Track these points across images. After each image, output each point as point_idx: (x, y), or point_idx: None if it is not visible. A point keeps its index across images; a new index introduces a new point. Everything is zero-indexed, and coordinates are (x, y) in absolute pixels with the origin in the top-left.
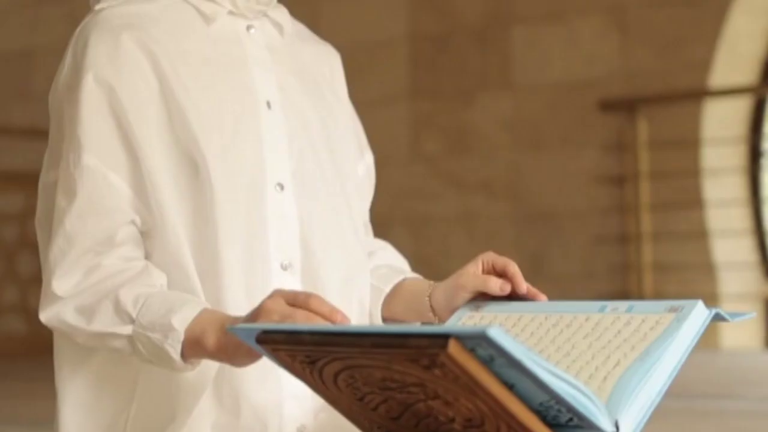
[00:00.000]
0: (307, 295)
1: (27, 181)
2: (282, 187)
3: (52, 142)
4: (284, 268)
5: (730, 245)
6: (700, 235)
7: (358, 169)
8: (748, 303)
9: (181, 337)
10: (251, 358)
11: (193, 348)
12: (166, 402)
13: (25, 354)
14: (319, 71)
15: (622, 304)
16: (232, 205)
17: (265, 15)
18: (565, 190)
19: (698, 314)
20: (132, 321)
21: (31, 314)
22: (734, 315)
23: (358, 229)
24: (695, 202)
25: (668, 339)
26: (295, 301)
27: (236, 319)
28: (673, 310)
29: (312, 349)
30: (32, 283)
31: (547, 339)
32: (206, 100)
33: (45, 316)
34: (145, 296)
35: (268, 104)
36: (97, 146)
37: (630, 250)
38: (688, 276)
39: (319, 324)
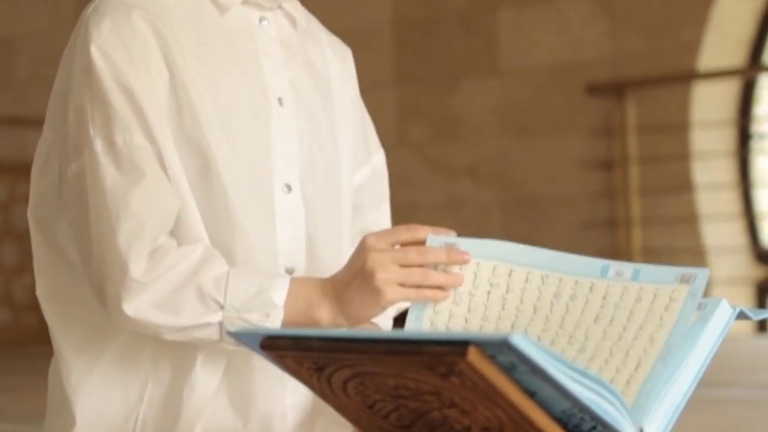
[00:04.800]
0: (407, 228)
1: (10, 170)
2: (290, 188)
3: (70, 131)
4: (288, 273)
5: (720, 229)
6: (689, 220)
7: (363, 170)
8: (739, 287)
9: (282, 313)
10: (374, 311)
11: (301, 322)
12: (174, 403)
13: (10, 345)
14: (329, 68)
15: (627, 268)
16: (243, 206)
17: (280, 7)
18: (554, 175)
19: (722, 313)
20: (221, 307)
21: (15, 304)
22: (757, 312)
23: (349, 237)
24: (685, 186)
25: (693, 340)
26: (397, 238)
27: (335, 286)
28: (684, 280)
29: (320, 356)
30: (16, 273)
31: (554, 321)
32: (216, 96)
33: (131, 308)
34: (224, 277)
35: (280, 101)
36: (139, 128)
37: (619, 235)
38: (678, 260)
39: (329, 330)
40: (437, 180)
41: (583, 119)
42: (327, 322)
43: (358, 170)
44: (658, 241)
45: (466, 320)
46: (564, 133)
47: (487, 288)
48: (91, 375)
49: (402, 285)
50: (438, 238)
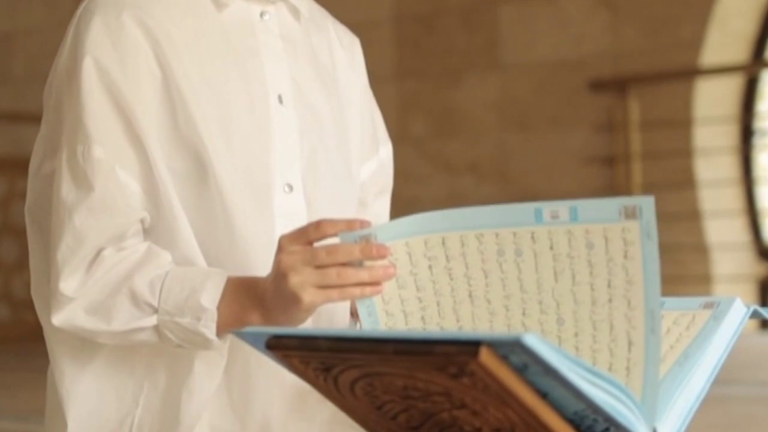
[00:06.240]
0: (316, 225)
1: (9, 166)
2: (291, 188)
3: (50, 129)
4: None
5: (722, 226)
6: (692, 216)
7: (368, 166)
8: (742, 284)
9: (215, 316)
10: (299, 316)
11: (234, 325)
12: (172, 407)
13: (8, 342)
14: (336, 59)
15: (562, 207)
16: (241, 207)
17: None
18: (555, 171)
19: (736, 313)
20: (155, 310)
21: (15, 301)
22: None
23: None
24: (687, 182)
25: (706, 340)
26: (308, 237)
27: (263, 290)
28: (630, 215)
29: (327, 356)
30: (15, 269)
31: (512, 284)
32: (213, 94)
33: (58, 319)
34: (160, 279)
35: (280, 98)
36: (105, 139)
37: None
38: (681, 257)
39: (336, 329)
40: (438, 175)
41: (585, 115)
42: (259, 324)
43: (364, 164)
44: (660, 238)
45: (420, 300)
46: (566, 128)
47: (426, 263)
48: (83, 378)
49: (320, 287)
50: (352, 234)
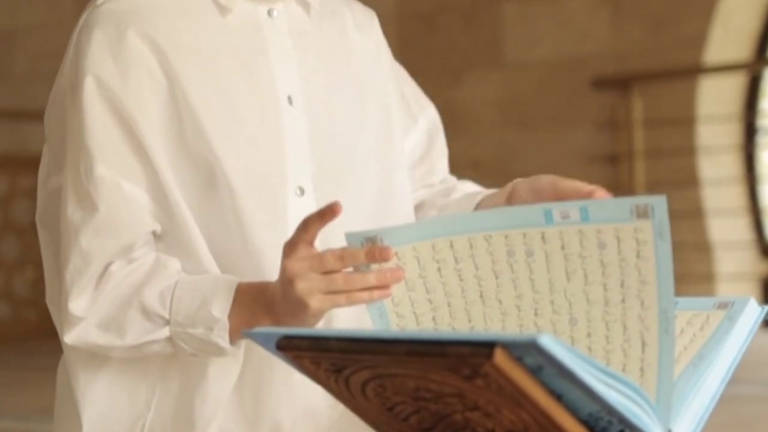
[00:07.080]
0: (303, 226)
1: (10, 164)
2: (302, 191)
3: (54, 143)
4: None
5: (726, 224)
6: (695, 214)
7: (410, 139)
8: (745, 282)
9: (227, 326)
10: (308, 321)
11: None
12: (185, 411)
13: (10, 340)
14: (353, 46)
15: (572, 208)
16: (253, 212)
17: None
18: (557, 169)
19: (750, 313)
20: (167, 322)
21: (16, 299)
22: None
23: (397, 217)
24: (690, 180)
25: (720, 341)
26: (304, 239)
27: (273, 295)
28: (642, 214)
29: (339, 357)
30: (16, 267)
31: (524, 284)
32: (220, 99)
33: (70, 338)
34: (170, 290)
35: (289, 99)
36: (108, 154)
37: None
38: (684, 256)
39: (348, 330)
40: None
41: (587, 113)
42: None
43: (404, 139)
44: None
45: (430, 301)
46: (568, 127)
47: (435, 266)
48: (97, 382)
49: (327, 293)
50: (358, 236)
